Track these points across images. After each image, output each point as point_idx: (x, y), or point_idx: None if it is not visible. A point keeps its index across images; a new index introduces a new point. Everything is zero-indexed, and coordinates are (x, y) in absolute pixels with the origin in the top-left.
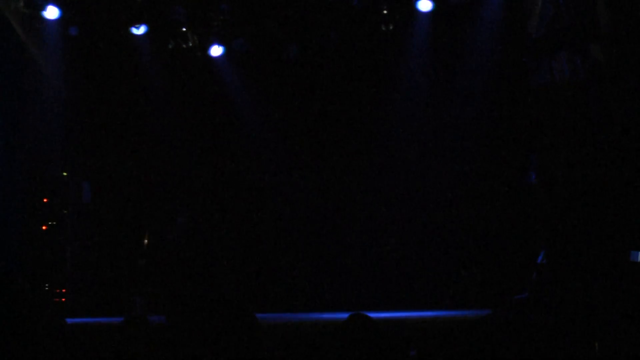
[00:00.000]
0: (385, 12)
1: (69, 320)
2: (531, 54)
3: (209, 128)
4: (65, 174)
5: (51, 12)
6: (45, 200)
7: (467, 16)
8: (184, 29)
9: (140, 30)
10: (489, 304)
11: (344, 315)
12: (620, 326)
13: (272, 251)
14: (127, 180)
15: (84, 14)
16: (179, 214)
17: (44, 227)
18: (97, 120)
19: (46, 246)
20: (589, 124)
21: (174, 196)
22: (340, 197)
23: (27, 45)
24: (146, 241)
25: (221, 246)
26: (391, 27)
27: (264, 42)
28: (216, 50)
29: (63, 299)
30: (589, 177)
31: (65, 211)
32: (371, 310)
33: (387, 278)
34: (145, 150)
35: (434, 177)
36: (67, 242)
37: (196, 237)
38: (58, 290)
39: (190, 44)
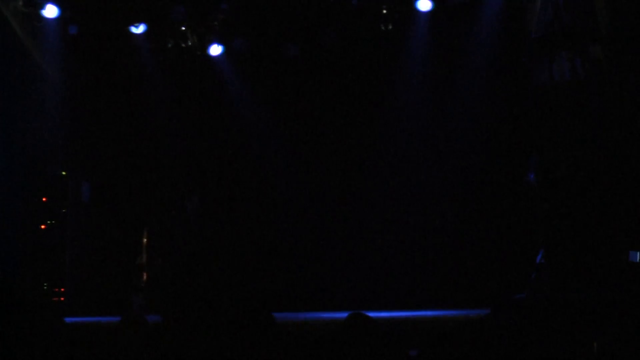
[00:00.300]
0: (384, 11)
1: (68, 320)
2: (531, 54)
3: (209, 128)
4: (64, 173)
5: (50, 11)
6: (44, 199)
7: (467, 16)
8: (184, 28)
9: (139, 29)
10: (488, 304)
11: (344, 315)
12: (619, 326)
13: (271, 251)
14: (126, 179)
15: (83, 12)
16: (188, 201)
17: (42, 227)
18: (96, 119)
19: (45, 245)
20: (589, 124)
21: (173, 195)
22: (340, 197)
23: (26, 44)
24: (145, 240)
25: (222, 246)
26: (390, 27)
27: (263, 41)
28: (215, 50)
29: (62, 298)
30: (588, 177)
31: (64, 210)
32: (370, 309)
33: (386, 277)
34: (144, 150)
35: (433, 176)
36: (66, 241)
37: (205, 232)
38: (57, 290)
39: (190, 43)
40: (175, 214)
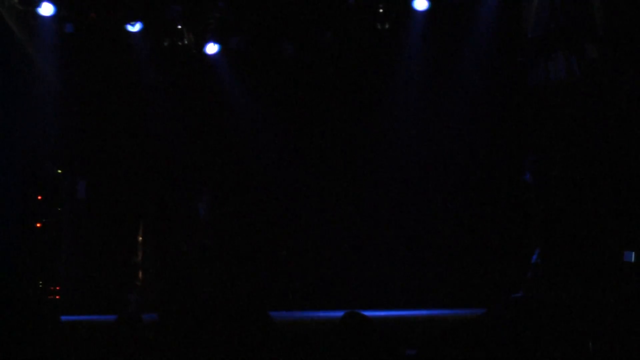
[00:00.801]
0: (381, 10)
1: (64, 318)
2: (527, 54)
3: (205, 126)
4: (60, 171)
5: (46, 9)
6: (39, 197)
7: (463, 16)
8: (180, 27)
9: (135, 28)
10: (484, 303)
11: (339, 314)
12: (614, 325)
13: (267, 249)
14: (122, 177)
15: (79, 10)
16: (200, 202)
17: (38, 225)
18: (92, 117)
19: (40, 243)
20: (585, 123)
21: (170, 193)
22: (336, 195)
23: (22, 42)
24: (140, 238)
25: (225, 246)
26: (387, 26)
27: (259, 40)
28: (212, 48)
29: (57, 297)
30: (583, 177)
31: (59, 208)
32: (366, 308)
33: (382, 277)
34: (140, 148)
35: (429, 175)
36: (61, 239)
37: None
38: (52, 288)
39: (186, 42)
40: (188, 215)
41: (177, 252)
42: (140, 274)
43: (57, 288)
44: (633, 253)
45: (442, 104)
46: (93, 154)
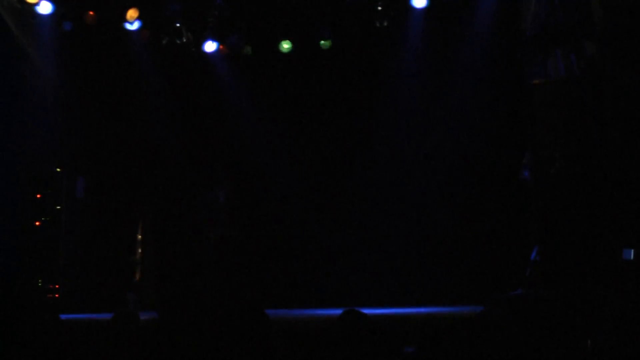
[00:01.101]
0: (379, 8)
1: (62, 317)
2: (526, 51)
3: (204, 125)
4: (59, 169)
5: (44, 7)
6: (38, 195)
7: (462, 13)
8: (178, 25)
9: (134, 26)
10: (483, 301)
11: (338, 311)
12: (612, 323)
13: (265, 247)
14: (121, 175)
15: (78, 9)
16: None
17: (37, 223)
18: (91, 115)
19: (39, 242)
20: (583, 121)
21: (168, 191)
22: (335, 193)
23: (21, 41)
24: (140, 237)
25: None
26: (385, 24)
27: (258, 38)
28: (210, 46)
29: (56, 295)
30: (582, 175)
31: (58, 207)
32: (365, 306)
33: (381, 274)
34: (139, 146)
35: (428, 173)
36: (60, 237)
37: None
38: (51, 286)
39: (184, 40)
40: (205, 204)
41: (190, 243)
42: (138, 273)
43: (56, 286)
44: (632, 251)
45: (441, 101)
46: (92, 152)
